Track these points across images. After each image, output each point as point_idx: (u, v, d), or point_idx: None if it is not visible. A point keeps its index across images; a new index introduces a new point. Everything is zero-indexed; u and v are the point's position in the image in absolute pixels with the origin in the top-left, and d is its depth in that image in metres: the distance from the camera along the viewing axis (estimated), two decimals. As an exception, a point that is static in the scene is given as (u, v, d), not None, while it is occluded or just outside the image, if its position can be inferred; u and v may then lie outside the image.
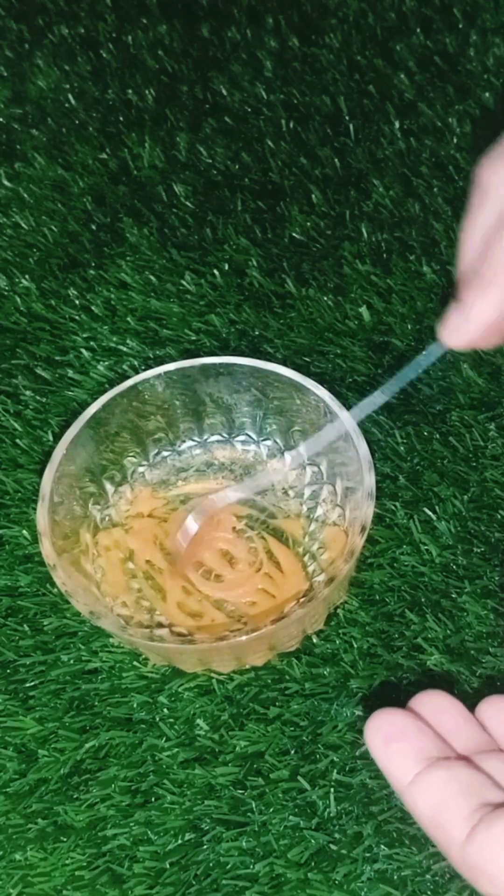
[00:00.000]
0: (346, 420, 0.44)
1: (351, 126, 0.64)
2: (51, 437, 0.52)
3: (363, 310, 0.55)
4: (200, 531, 0.46)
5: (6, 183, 0.64)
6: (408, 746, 0.30)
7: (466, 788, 0.29)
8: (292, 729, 0.42)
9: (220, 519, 0.47)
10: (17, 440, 0.52)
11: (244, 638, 0.39)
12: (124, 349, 0.55)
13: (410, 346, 0.54)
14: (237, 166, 0.63)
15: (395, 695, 0.43)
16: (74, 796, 0.41)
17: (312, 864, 0.39)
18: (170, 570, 0.46)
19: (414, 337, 0.54)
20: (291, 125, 0.65)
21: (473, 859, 0.28)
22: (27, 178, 0.64)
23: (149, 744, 0.42)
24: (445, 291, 0.55)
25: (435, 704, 0.32)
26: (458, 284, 0.41)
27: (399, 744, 0.30)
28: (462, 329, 0.41)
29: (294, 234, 0.59)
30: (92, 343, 0.55)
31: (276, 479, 0.48)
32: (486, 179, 0.40)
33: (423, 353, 0.43)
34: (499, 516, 0.47)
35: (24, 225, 0.61)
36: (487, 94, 0.65)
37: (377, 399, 0.44)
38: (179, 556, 0.46)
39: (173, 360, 0.48)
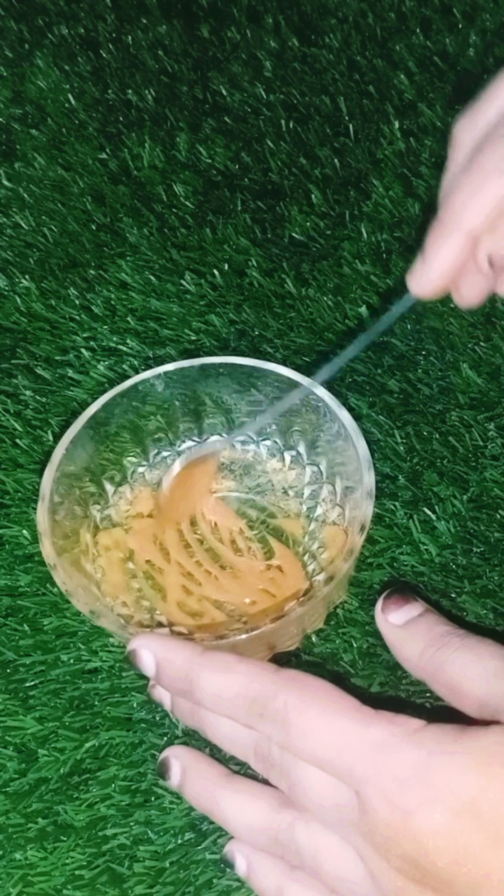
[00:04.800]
0: (346, 419, 0.44)
1: (350, 126, 0.64)
2: (51, 437, 0.52)
3: (363, 310, 0.55)
4: (189, 481, 0.46)
5: (6, 183, 0.64)
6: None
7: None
8: (292, 728, 0.42)
9: (208, 470, 0.48)
10: (17, 440, 0.52)
11: (244, 637, 0.39)
12: (124, 349, 0.55)
13: (410, 346, 0.54)
14: (237, 166, 0.64)
15: (395, 695, 0.43)
16: (74, 796, 0.41)
17: (312, 863, 0.39)
18: (160, 519, 0.47)
19: (414, 337, 0.54)
20: (291, 125, 0.65)
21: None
22: (27, 178, 0.64)
23: (149, 743, 0.42)
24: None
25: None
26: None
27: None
28: (425, 277, 0.41)
29: (294, 234, 0.59)
30: (92, 343, 0.55)
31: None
32: (457, 136, 0.43)
33: (397, 302, 0.43)
34: (498, 516, 0.47)
35: (24, 225, 0.61)
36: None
37: (350, 352, 0.44)
38: (163, 505, 0.46)
39: (173, 360, 0.48)
